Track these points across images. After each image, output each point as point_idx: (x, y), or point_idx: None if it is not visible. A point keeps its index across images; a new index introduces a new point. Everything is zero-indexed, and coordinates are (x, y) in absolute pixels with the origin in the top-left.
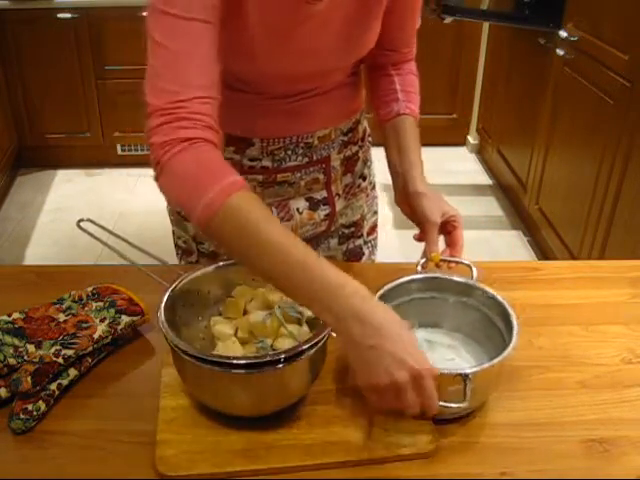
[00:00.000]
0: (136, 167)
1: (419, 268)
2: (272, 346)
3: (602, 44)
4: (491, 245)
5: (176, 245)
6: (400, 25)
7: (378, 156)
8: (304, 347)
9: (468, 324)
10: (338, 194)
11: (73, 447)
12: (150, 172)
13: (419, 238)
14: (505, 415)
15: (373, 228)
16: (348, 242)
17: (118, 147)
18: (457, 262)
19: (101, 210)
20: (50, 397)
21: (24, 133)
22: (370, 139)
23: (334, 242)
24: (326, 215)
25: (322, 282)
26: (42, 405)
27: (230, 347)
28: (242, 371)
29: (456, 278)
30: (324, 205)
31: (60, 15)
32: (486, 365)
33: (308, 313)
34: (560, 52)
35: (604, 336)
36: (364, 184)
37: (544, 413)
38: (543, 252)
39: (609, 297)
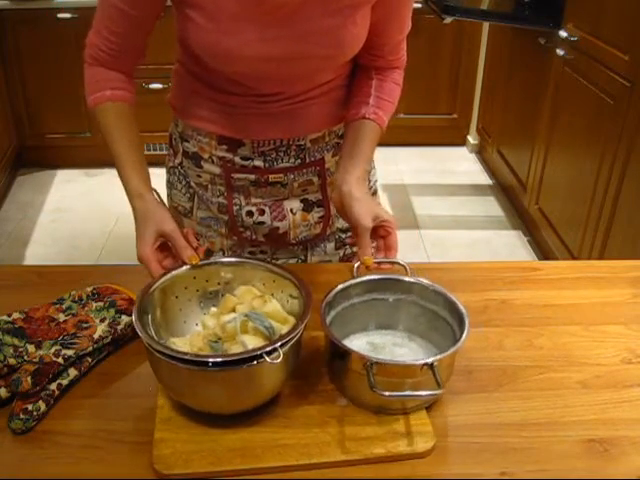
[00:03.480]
0: None
1: (355, 273)
2: (224, 350)
3: (602, 44)
4: (491, 245)
5: None
6: (383, 31)
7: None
8: (268, 348)
9: (411, 320)
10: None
11: (73, 447)
12: (150, 171)
13: (352, 242)
14: (505, 415)
15: None
16: (345, 248)
17: None
18: (390, 262)
19: (101, 210)
20: (50, 397)
21: (24, 133)
22: None
23: (330, 246)
24: (320, 217)
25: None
26: (42, 405)
27: (187, 341)
28: (190, 367)
29: (392, 276)
30: (318, 207)
31: (60, 15)
32: (450, 351)
33: (283, 330)
34: (560, 52)
35: (604, 336)
36: None
37: (544, 413)
38: (543, 252)
39: (609, 297)
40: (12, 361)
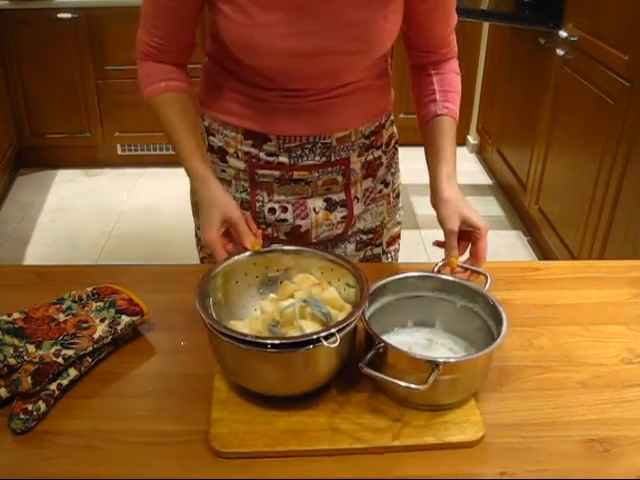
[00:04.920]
0: (136, 167)
1: (435, 269)
2: (282, 333)
3: (602, 44)
4: (491, 245)
5: (196, 235)
6: (429, 27)
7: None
8: (325, 333)
9: (472, 331)
10: (357, 197)
11: (73, 447)
12: (150, 172)
13: (439, 243)
14: (505, 415)
15: (394, 239)
16: (366, 249)
17: (118, 147)
18: (473, 270)
19: (101, 210)
20: (50, 397)
21: (24, 133)
22: (397, 146)
23: (351, 247)
24: (343, 217)
25: (189, 169)
26: (42, 405)
27: (247, 324)
28: (251, 348)
29: (466, 283)
30: (341, 207)
31: (60, 15)
32: (453, 359)
33: (339, 317)
34: (560, 52)
35: (604, 336)
36: (386, 190)
37: (544, 413)
38: (543, 252)
39: (609, 297)
40: (12, 361)
